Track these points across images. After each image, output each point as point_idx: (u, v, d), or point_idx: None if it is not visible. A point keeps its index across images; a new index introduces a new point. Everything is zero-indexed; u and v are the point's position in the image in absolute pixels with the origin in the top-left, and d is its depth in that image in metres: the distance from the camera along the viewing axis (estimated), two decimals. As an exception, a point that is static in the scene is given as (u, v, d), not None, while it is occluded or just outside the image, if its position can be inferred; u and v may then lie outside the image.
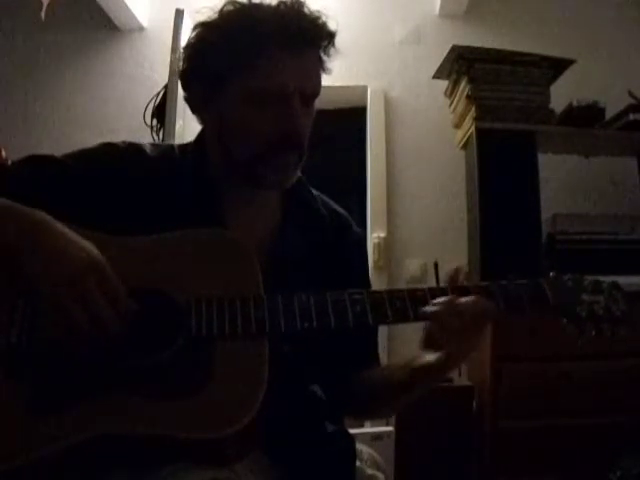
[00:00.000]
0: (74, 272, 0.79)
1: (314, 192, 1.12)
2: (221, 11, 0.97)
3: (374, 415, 1.19)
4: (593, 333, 0.91)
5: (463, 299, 0.86)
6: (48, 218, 0.83)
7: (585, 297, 0.92)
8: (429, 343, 0.89)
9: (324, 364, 1.03)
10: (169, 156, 1.05)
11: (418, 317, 0.87)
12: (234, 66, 0.94)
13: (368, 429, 2.10)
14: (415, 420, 2.10)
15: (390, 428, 2.06)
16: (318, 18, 0.96)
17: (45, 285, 0.79)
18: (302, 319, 0.86)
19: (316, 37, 0.96)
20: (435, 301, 0.87)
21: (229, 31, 0.95)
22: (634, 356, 2.00)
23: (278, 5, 0.95)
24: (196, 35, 0.99)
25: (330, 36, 0.97)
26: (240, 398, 0.80)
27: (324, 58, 0.98)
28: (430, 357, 0.89)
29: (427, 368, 0.91)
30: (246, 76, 0.94)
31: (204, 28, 0.98)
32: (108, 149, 1.01)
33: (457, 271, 0.92)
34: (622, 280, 0.96)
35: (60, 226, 0.83)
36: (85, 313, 0.79)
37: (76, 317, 0.79)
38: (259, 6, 0.97)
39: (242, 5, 0.97)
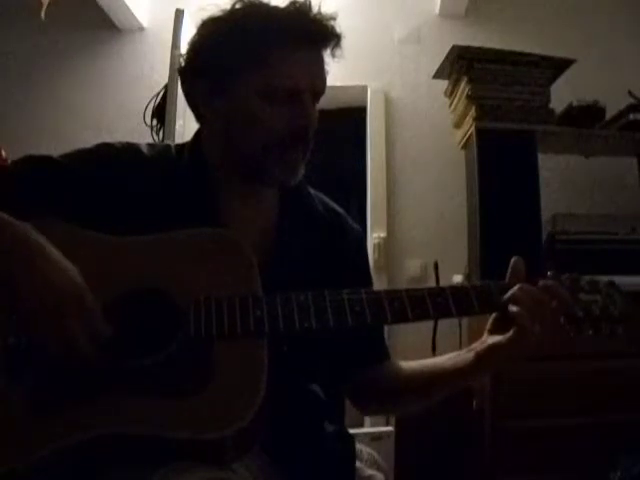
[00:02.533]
0: (55, 300, 0.78)
1: (312, 191, 1.12)
2: (232, 8, 0.97)
3: (405, 408, 1.22)
4: (591, 332, 0.91)
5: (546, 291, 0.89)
6: (35, 236, 0.81)
7: (582, 296, 0.92)
8: (497, 328, 0.91)
9: (324, 363, 1.03)
10: (166, 156, 1.04)
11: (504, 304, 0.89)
12: (247, 62, 0.94)
13: (368, 429, 2.10)
14: (415, 420, 2.10)
15: (390, 428, 2.06)
16: (328, 19, 0.97)
17: (26, 306, 0.78)
18: (301, 319, 0.85)
19: (326, 37, 0.97)
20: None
21: (243, 27, 0.95)
22: (634, 356, 1.99)
23: (289, 5, 0.96)
24: (206, 30, 0.99)
25: (338, 37, 0.98)
26: (239, 398, 0.79)
27: (328, 59, 0.99)
28: (500, 338, 0.90)
29: (497, 347, 0.91)
30: (259, 72, 0.94)
31: (215, 24, 0.98)
32: (105, 149, 1.01)
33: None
34: (622, 280, 0.96)
35: (47, 246, 0.81)
36: (60, 340, 0.78)
37: (52, 342, 0.78)
38: (270, 5, 0.98)
39: (253, 3, 0.98)
